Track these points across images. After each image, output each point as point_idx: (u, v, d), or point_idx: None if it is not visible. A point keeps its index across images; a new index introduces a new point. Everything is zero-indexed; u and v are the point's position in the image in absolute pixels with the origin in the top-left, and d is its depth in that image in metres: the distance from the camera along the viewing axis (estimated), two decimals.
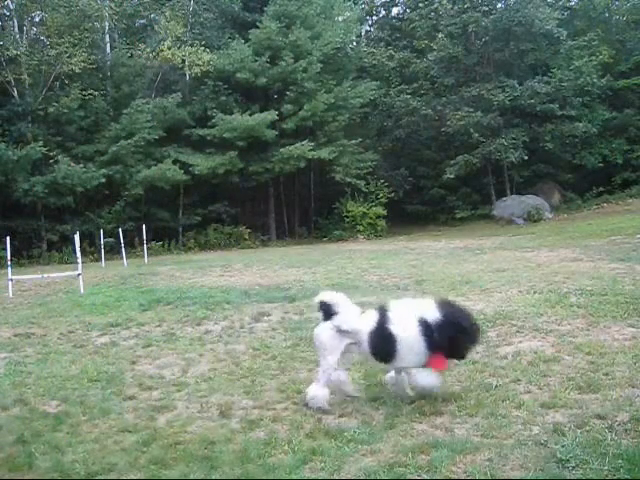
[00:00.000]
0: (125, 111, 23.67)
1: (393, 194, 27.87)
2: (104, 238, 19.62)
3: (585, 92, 26.17)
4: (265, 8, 26.53)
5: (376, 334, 4.28)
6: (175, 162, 24.02)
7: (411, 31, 31.19)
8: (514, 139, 25.27)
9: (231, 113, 24.87)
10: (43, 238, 23.14)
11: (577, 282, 8.61)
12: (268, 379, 5.11)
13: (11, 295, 11.34)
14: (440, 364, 4.28)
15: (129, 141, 23.11)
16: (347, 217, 26.75)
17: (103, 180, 22.71)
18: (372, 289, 9.45)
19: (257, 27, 25.89)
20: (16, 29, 24.04)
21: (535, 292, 8.09)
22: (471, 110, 25.38)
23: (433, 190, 29.11)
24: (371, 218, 26.64)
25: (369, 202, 26.97)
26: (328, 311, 4.45)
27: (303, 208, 29.85)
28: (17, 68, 22.97)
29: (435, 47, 27.37)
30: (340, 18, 29.23)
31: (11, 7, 24.14)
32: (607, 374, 4.58)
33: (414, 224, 28.07)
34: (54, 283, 13.16)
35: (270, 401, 4.56)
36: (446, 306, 4.38)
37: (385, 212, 26.87)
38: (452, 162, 26.20)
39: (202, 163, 24.18)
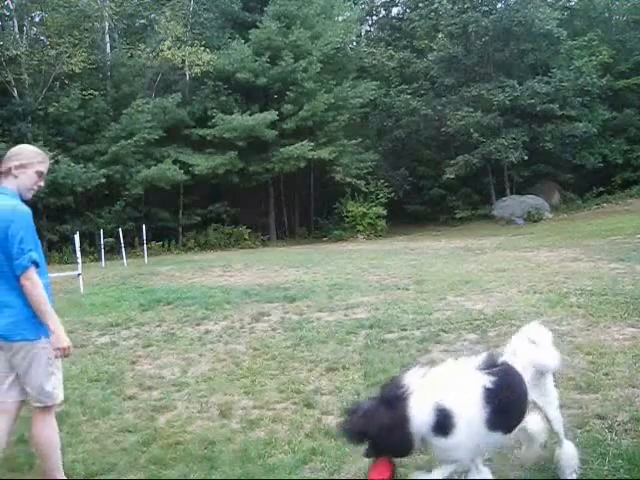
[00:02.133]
0: (125, 111, 23.69)
1: (393, 194, 27.90)
2: (104, 238, 19.63)
3: (585, 92, 26.17)
4: (265, 8, 26.55)
5: None
6: (175, 162, 24.03)
7: (411, 31, 31.25)
8: (514, 139, 25.28)
9: (231, 113, 24.88)
10: (43, 238, 23.14)
11: (577, 282, 8.61)
12: (268, 379, 5.11)
13: None
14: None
15: (129, 141, 23.12)
16: (347, 217, 26.76)
17: (103, 180, 22.72)
18: (372, 289, 9.45)
19: (257, 27, 25.91)
20: (16, 29, 24.07)
21: (535, 292, 8.08)
22: (471, 110, 25.39)
23: (433, 190, 29.14)
24: (371, 218, 26.66)
25: (369, 202, 26.99)
26: None
27: (303, 208, 29.86)
28: (17, 68, 22.99)
29: (435, 47, 27.41)
30: (340, 18, 29.27)
31: (11, 7, 24.16)
32: (607, 374, 4.58)
33: (414, 224, 28.08)
34: (54, 283, 13.08)
35: (270, 401, 4.56)
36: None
37: (385, 212, 26.89)
38: (452, 162, 26.22)
39: (202, 163, 24.20)
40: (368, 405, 2.79)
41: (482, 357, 2.93)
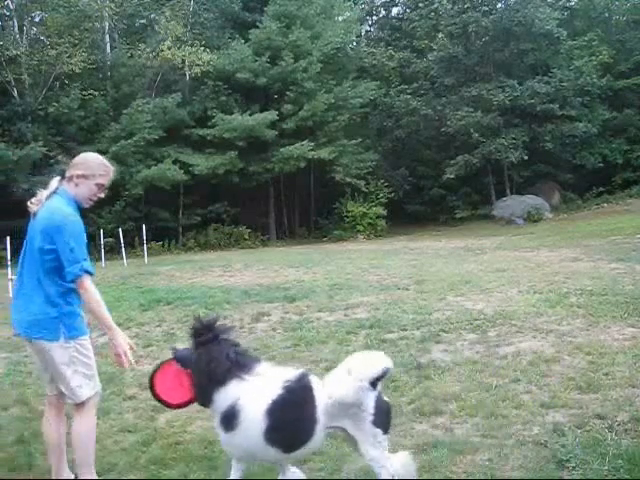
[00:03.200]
0: (125, 111, 23.67)
1: (393, 194, 27.90)
2: (104, 238, 19.62)
3: (585, 92, 26.18)
4: (265, 8, 26.54)
5: None
6: (175, 162, 24.01)
7: (411, 31, 31.24)
8: (514, 139, 25.27)
9: (231, 113, 24.87)
10: None
11: (577, 282, 8.61)
12: None
13: (11, 295, 11.33)
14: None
15: (129, 141, 23.11)
16: (347, 217, 26.75)
17: None
18: (372, 289, 9.45)
19: (257, 27, 25.92)
20: (16, 29, 24.07)
21: (535, 292, 8.08)
22: (471, 110, 25.38)
23: (433, 190, 29.14)
24: (371, 218, 26.65)
25: (369, 202, 26.98)
26: None
27: (303, 208, 29.86)
28: (17, 68, 22.99)
29: (435, 47, 27.41)
30: (340, 18, 29.27)
31: (11, 7, 24.17)
32: (607, 374, 4.58)
33: (414, 224, 28.08)
34: None
35: None
36: None
37: (385, 212, 26.88)
38: (452, 162, 26.21)
39: (202, 163, 24.18)
40: (230, 346, 2.91)
41: (298, 371, 2.97)
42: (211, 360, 2.82)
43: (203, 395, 2.86)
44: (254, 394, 2.78)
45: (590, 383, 4.38)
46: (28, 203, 3.24)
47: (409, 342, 5.96)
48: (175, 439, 3.94)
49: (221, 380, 2.80)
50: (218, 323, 3.01)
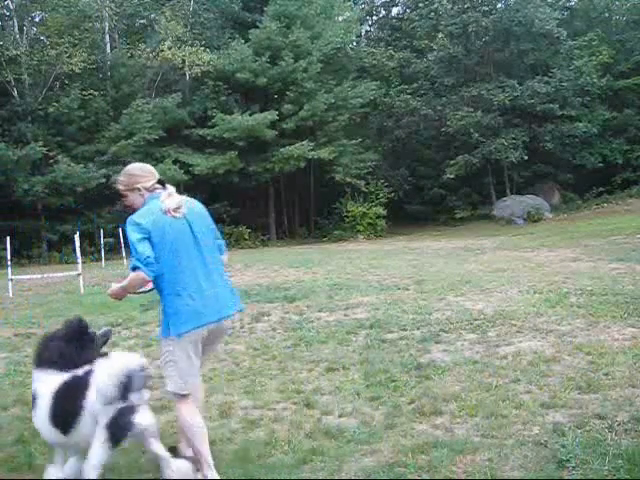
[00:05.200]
0: (125, 111, 23.70)
1: (393, 194, 27.93)
2: (104, 238, 19.62)
3: (585, 92, 26.21)
4: (265, 8, 26.58)
5: None
6: (175, 162, 24.04)
7: (411, 31, 31.29)
8: (514, 139, 25.30)
9: (231, 113, 24.90)
10: (43, 238, 23.14)
11: (577, 282, 8.61)
12: (268, 379, 5.10)
13: (11, 295, 11.34)
14: None
15: (129, 141, 23.12)
16: (347, 217, 26.78)
17: (103, 180, 22.72)
18: (372, 289, 9.44)
19: (257, 27, 25.97)
20: (16, 29, 24.11)
21: (535, 292, 8.08)
22: (471, 110, 25.41)
23: (433, 190, 29.17)
24: (371, 218, 26.68)
25: (369, 202, 27.01)
26: None
27: (303, 208, 29.88)
28: (17, 68, 23.03)
29: (435, 47, 27.45)
30: (340, 18, 29.33)
31: (11, 7, 24.21)
32: (607, 374, 4.57)
33: (414, 224, 28.10)
34: (54, 283, 13.16)
35: (270, 401, 4.55)
36: None
37: (385, 212, 26.91)
38: (452, 162, 26.25)
39: (202, 163, 24.21)
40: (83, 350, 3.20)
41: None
42: (59, 351, 3.15)
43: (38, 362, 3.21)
44: (49, 382, 3.08)
45: (590, 383, 4.38)
46: None
47: (409, 342, 5.96)
48: (175, 439, 3.93)
49: (46, 366, 3.13)
50: (100, 334, 3.36)
